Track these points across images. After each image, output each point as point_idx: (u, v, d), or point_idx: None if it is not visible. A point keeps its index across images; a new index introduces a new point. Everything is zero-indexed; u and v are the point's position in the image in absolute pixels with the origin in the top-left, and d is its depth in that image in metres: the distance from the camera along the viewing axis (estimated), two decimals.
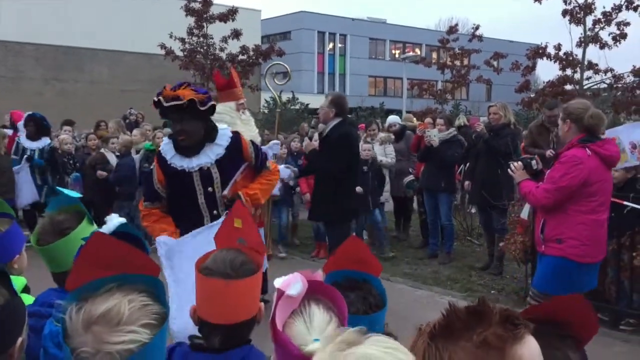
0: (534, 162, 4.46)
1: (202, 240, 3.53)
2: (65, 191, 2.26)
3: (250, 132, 5.58)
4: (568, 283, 4.00)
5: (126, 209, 8.20)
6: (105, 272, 1.32)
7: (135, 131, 9.28)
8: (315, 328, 1.42)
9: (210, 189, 3.93)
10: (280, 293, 1.46)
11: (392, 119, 9.11)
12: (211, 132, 3.91)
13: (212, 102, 3.78)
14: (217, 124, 4.02)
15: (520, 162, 4.46)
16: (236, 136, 4.05)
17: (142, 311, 1.27)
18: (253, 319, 1.77)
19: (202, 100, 3.69)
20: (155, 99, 3.73)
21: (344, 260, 1.88)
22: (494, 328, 1.08)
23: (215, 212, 3.94)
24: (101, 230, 1.99)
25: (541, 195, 4.09)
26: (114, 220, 2.01)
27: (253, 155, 4.15)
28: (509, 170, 4.50)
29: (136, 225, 8.21)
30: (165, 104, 3.66)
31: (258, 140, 5.71)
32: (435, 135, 7.53)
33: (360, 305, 1.77)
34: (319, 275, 1.59)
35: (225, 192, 3.95)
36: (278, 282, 1.47)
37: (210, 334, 1.76)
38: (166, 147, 4.00)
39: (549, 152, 5.82)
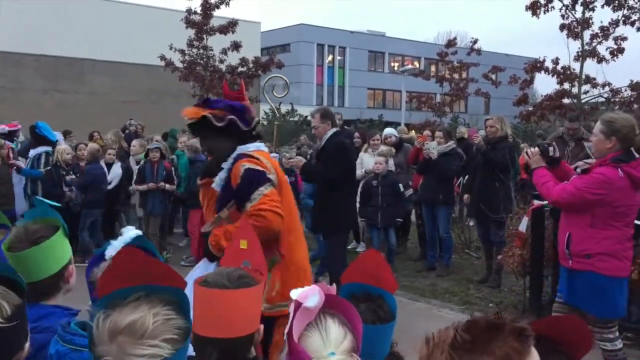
0: (551, 148, 4.25)
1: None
2: (46, 201, 2.26)
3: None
4: (602, 298, 3.94)
5: (94, 216, 8.27)
6: (133, 282, 1.35)
7: (134, 142, 9.31)
8: (332, 342, 1.43)
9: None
10: (298, 304, 1.46)
11: (388, 131, 9.14)
12: (231, 152, 3.42)
13: (231, 117, 3.32)
14: (251, 142, 3.49)
15: (537, 148, 4.29)
16: (237, 158, 3.39)
17: (165, 325, 1.31)
18: (250, 337, 1.70)
19: (220, 115, 3.31)
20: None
21: (362, 273, 1.91)
22: (511, 341, 1.10)
23: None
24: (116, 241, 2.03)
25: (557, 192, 3.99)
26: (130, 232, 2.03)
27: (238, 183, 3.32)
28: (524, 154, 4.38)
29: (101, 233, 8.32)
30: (187, 122, 3.43)
31: None
32: (434, 147, 7.55)
33: (370, 316, 1.79)
34: (334, 289, 1.60)
35: (205, 227, 3.47)
36: (295, 294, 1.47)
37: (204, 350, 1.69)
38: None
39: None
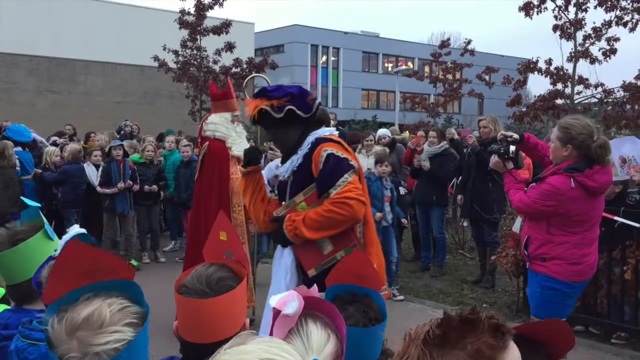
0: (505, 149, 3.99)
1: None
2: (28, 201, 2.24)
3: (244, 145, 5.53)
4: (551, 301, 3.85)
5: (74, 216, 8.26)
6: (81, 281, 1.33)
7: (124, 143, 9.28)
8: (314, 347, 1.41)
9: (284, 202, 3.54)
10: (277, 312, 1.43)
11: (382, 132, 9.15)
12: (300, 140, 3.37)
13: (289, 107, 3.24)
14: (322, 128, 3.47)
15: (494, 154, 4.06)
16: (316, 143, 3.32)
17: (122, 312, 1.30)
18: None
19: (278, 105, 3.25)
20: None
21: (347, 274, 1.89)
22: (486, 337, 1.10)
23: None
24: (61, 240, 1.99)
25: (516, 201, 3.91)
26: (73, 231, 2.00)
27: (320, 169, 3.23)
28: (490, 165, 4.19)
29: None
30: (249, 115, 3.40)
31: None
32: (424, 159, 7.59)
33: (361, 318, 1.77)
34: (315, 291, 1.57)
35: (277, 212, 3.39)
36: (274, 301, 1.44)
37: (190, 353, 1.69)
38: None
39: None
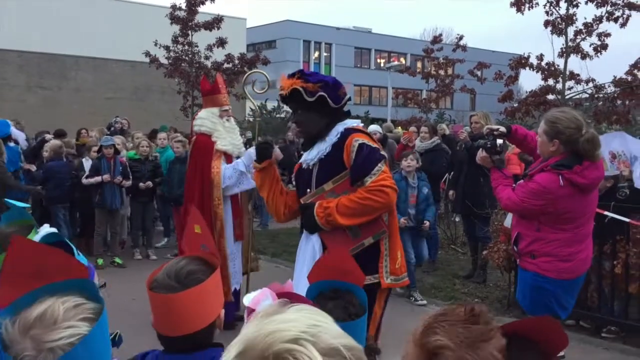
0: (488, 142, 3.91)
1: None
2: (13, 202, 2.21)
3: (233, 140, 5.52)
4: (543, 300, 3.73)
5: (61, 211, 8.21)
6: (33, 282, 1.30)
7: (115, 139, 9.22)
8: None
9: (309, 190, 3.53)
10: (250, 311, 1.44)
11: (373, 128, 9.14)
12: (328, 127, 3.43)
13: (321, 93, 3.30)
14: (347, 120, 3.52)
15: (481, 149, 3.95)
16: (346, 133, 3.40)
17: (77, 309, 1.28)
18: (211, 325, 1.71)
19: (311, 90, 3.30)
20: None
21: (328, 270, 1.89)
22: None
23: None
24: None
25: (504, 200, 3.79)
26: (44, 231, 1.97)
27: (352, 159, 3.31)
28: (476, 159, 4.06)
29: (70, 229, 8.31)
30: (281, 93, 3.43)
31: (239, 150, 5.58)
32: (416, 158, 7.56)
33: (340, 313, 1.77)
34: (290, 285, 1.57)
35: (303, 198, 3.48)
36: (247, 300, 1.44)
37: (168, 346, 1.72)
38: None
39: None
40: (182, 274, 1.69)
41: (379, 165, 3.30)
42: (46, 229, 1.98)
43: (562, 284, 3.71)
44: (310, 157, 3.46)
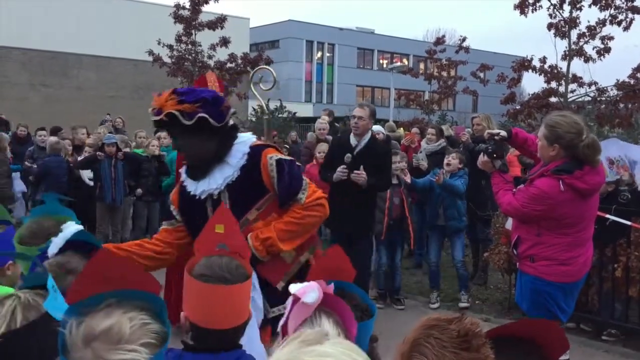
0: (489, 147, 3.88)
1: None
2: (54, 197, 2.24)
3: None
4: (542, 303, 3.71)
5: None
6: (106, 286, 1.31)
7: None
8: None
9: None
10: (296, 299, 1.46)
11: (376, 128, 9.12)
12: (222, 149, 2.96)
13: (201, 115, 2.82)
14: (240, 135, 3.09)
15: (482, 153, 3.92)
16: (255, 152, 2.98)
17: (142, 330, 1.27)
18: (245, 323, 1.78)
19: (188, 111, 2.81)
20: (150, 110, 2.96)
21: (326, 271, 1.89)
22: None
23: None
24: (57, 238, 1.96)
25: (505, 205, 3.77)
26: (71, 228, 1.97)
27: (275, 180, 2.94)
28: (477, 164, 4.02)
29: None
30: (152, 119, 2.90)
31: None
32: (422, 159, 7.53)
33: (355, 312, 1.78)
34: (331, 288, 1.59)
35: None
36: (294, 288, 1.47)
37: (203, 339, 1.76)
38: (185, 167, 3.18)
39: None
40: (232, 267, 1.77)
41: (304, 178, 3.06)
42: (72, 226, 1.99)
43: (561, 287, 3.70)
44: (212, 185, 2.97)
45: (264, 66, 6.10)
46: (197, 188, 3.01)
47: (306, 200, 2.97)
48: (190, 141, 2.93)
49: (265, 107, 6.10)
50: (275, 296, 2.90)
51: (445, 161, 6.45)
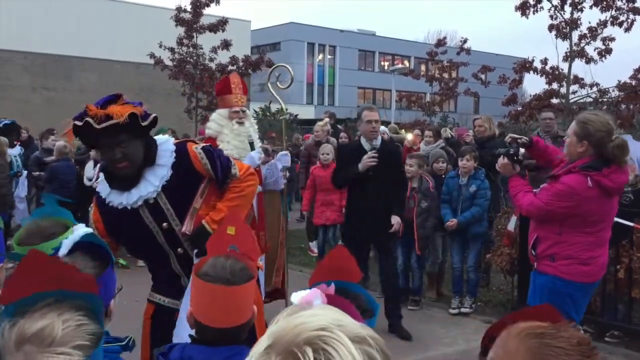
0: (511, 150, 3.91)
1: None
2: (56, 198, 2.25)
3: (237, 145, 4.83)
4: (559, 304, 3.60)
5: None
6: (40, 286, 1.30)
7: None
8: None
9: (165, 224, 3.02)
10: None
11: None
12: (150, 152, 2.96)
13: (153, 115, 2.89)
14: (155, 137, 3.11)
15: (503, 156, 3.93)
16: (181, 148, 3.08)
17: (76, 331, 1.25)
18: (248, 322, 1.84)
19: (142, 114, 2.84)
20: (79, 122, 2.84)
21: (331, 271, 1.89)
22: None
23: (180, 250, 3.08)
24: (67, 240, 1.97)
25: (526, 205, 3.78)
26: (80, 230, 1.99)
27: (208, 165, 3.07)
28: (497, 166, 4.02)
29: None
30: (98, 127, 2.76)
31: (244, 155, 4.82)
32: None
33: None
34: (333, 289, 1.58)
35: (184, 228, 3.02)
36: (296, 297, 1.44)
37: (202, 334, 1.82)
38: (102, 184, 3.08)
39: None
40: (236, 268, 1.81)
41: (228, 156, 3.31)
42: (83, 228, 2.01)
43: (580, 287, 3.72)
44: (148, 189, 2.94)
45: (282, 64, 5.98)
46: (129, 198, 2.96)
47: (240, 173, 3.20)
48: (135, 145, 2.88)
49: (283, 107, 5.88)
50: None
51: (460, 164, 6.30)
